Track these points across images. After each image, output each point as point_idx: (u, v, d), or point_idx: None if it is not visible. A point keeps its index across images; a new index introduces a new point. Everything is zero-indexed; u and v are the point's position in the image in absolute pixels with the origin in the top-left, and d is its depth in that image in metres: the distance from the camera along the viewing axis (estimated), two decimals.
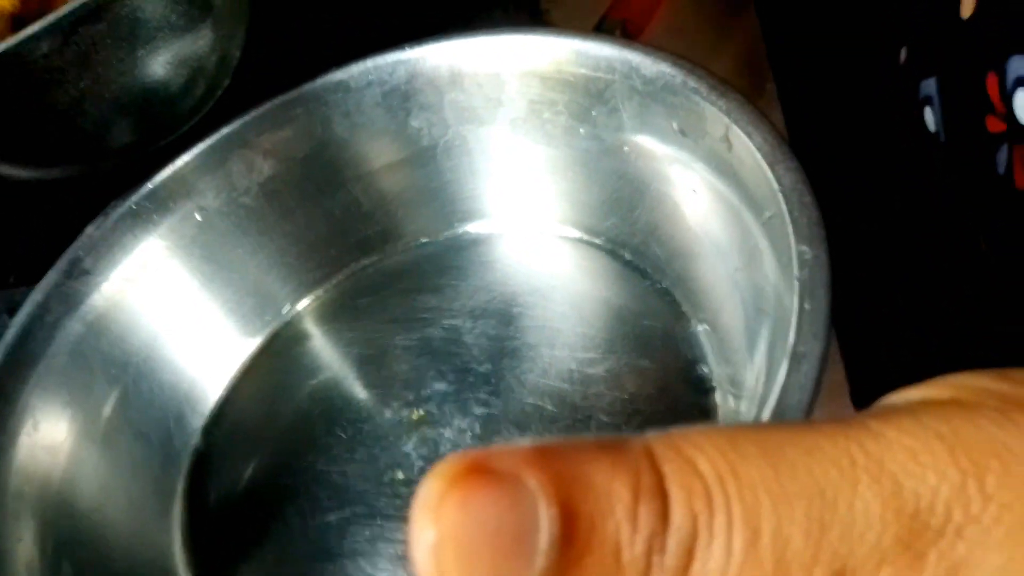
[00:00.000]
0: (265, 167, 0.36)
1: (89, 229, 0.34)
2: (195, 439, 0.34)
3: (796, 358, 0.21)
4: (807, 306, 0.22)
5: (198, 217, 0.35)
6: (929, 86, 0.37)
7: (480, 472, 0.13)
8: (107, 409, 0.32)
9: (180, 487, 0.33)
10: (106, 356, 0.32)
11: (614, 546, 0.14)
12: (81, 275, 0.33)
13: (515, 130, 0.36)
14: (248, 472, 0.33)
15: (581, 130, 0.34)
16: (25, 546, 0.27)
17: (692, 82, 0.29)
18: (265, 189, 0.36)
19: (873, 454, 0.14)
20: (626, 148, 0.33)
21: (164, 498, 0.32)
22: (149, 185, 0.34)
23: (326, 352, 0.36)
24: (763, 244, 0.28)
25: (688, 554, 0.14)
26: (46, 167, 0.35)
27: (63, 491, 0.29)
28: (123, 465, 0.31)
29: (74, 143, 0.34)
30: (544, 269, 0.37)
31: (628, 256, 0.35)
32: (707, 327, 0.32)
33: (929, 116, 0.37)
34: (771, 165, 0.26)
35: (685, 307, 0.32)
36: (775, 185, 0.25)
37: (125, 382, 0.33)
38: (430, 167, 0.37)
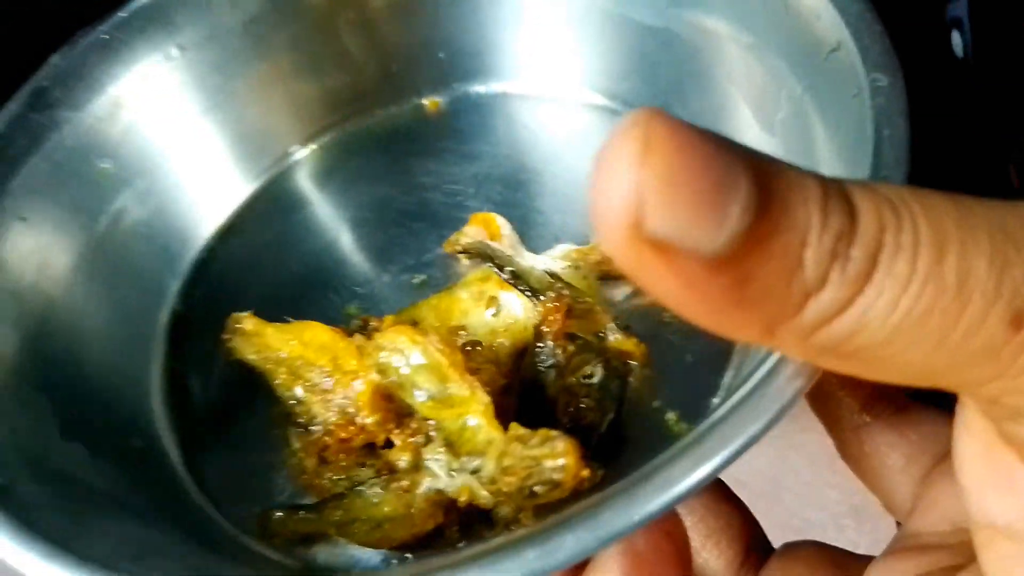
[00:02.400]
0: (250, 4, 0.32)
1: (54, 59, 0.30)
2: (181, 284, 0.31)
3: None
4: (886, 132, 0.20)
5: (176, 53, 0.32)
6: (958, 8, 0.35)
7: (687, 130, 0.13)
8: (94, 234, 0.29)
9: (163, 334, 0.30)
10: (87, 185, 0.29)
11: (802, 235, 0.13)
12: (46, 108, 0.29)
13: None
14: None
15: None
16: (1, 340, 0.24)
17: None
18: (250, 30, 0.33)
19: None
20: None
21: (146, 340, 0.29)
22: (122, 14, 0.31)
23: (320, 213, 0.33)
24: (807, 98, 0.26)
25: (872, 260, 0.13)
26: None
27: (43, 308, 0.26)
28: (106, 298, 0.28)
29: None
30: (554, 133, 0.34)
31: None
32: None
33: (957, 40, 0.35)
34: None
35: None
36: (839, 16, 0.23)
37: (110, 214, 0.29)
38: (431, 16, 0.34)
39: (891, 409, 0.22)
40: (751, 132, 0.29)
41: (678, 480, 0.16)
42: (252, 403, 0.28)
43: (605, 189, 0.13)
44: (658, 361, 0.27)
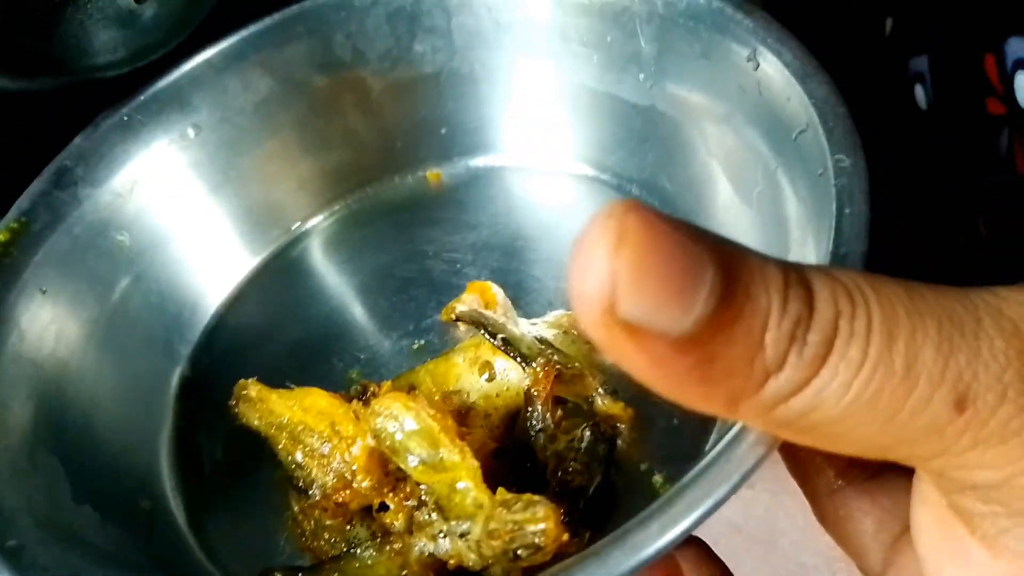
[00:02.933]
0: (262, 86, 0.35)
1: (78, 140, 0.32)
2: (191, 350, 0.32)
3: (838, 259, 0.21)
4: (847, 210, 0.22)
5: (191, 133, 0.34)
6: (920, 63, 0.37)
7: (660, 222, 0.14)
8: (108, 304, 0.31)
9: (172, 398, 0.31)
10: (103, 257, 0.31)
11: (763, 320, 0.14)
12: (69, 185, 0.31)
13: (525, 57, 0.35)
14: None
15: (594, 58, 0.33)
16: (14, 414, 0.26)
17: (717, 2, 0.29)
18: (260, 110, 0.35)
19: (991, 303, 0.15)
20: (641, 76, 0.32)
21: (156, 405, 0.31)
22: (141, 97, 0.33)
23: (325, 280, 0.35)
24: (781, 173, 0.27)
25: (827, 345, 0.14)
26: (29, 76, 0.33)
27: (59, 374, 0.28)
28: (119, 364, 0.30)
29: (58, 52, 0.32)
30: (548, 203, 0.36)
31: (636, 191, 0.34)
32: None
33: (920, 94, 0.37)
34: (802, 79, 0.25)
35: None
36: (807, 99, 0.25)
37: (124, 285, 0.31)
38: (433, 95, 0.36)
39: (865, 475, 0.23)
40: (731, 203, 0.30)
41: (647, 544, 0.17)
42: (256, 467, 0.29)
43: (582, 275, 0.14)
44: (645, 424, 0.28)
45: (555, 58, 0.34)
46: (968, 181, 0.36)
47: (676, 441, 0.28)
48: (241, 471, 0.29)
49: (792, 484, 0.23)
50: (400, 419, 0.25)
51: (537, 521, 0.21)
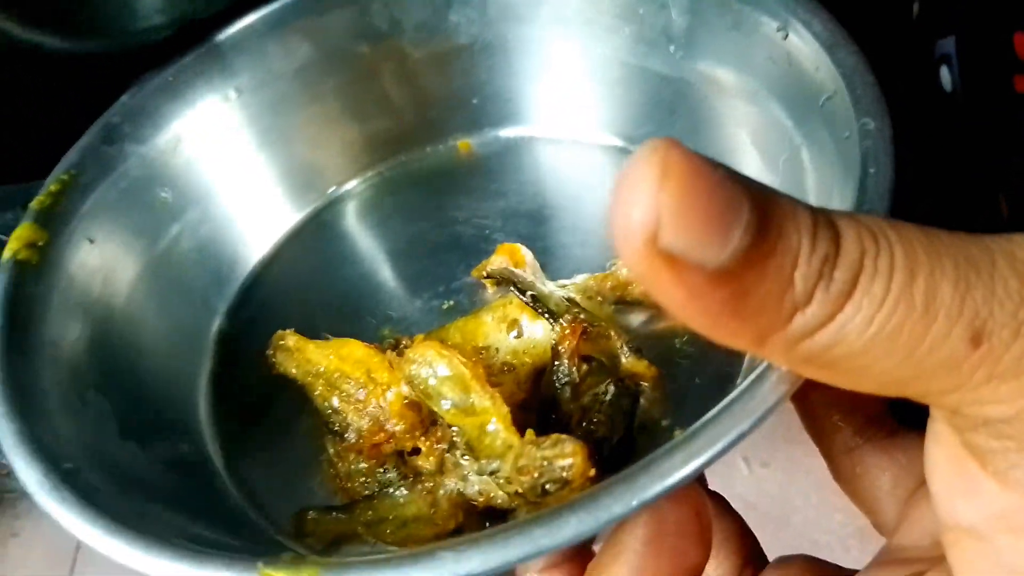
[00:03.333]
0: (301, 53, 0.36)
1: (124, 98, 0.33)
2: (229, 304, 0.34)
3: None
4: (871, 170, 0.22)
5: (233, 96, 0.35)
6: (947, 45, 0.37)
7: (700, 160, 0.15)
8: (152, 255, 0.32)
9: (211, 349, 0.32)
10: (147, 211, 0.32)
11: (793, 257, 0.15)
12: (116, 141, 0.32)
13: (557, 29, 0.36)
14: None
15: (625, 30, 0.34)
16: (64, 353, 0.27)
17: None
18: (300, 76, 0.36)
19: (1005, 246, 0.16)
20: (672, 47, 0.33)
21: (195, 354, 0.32)
22: (185, 59, 0.34)
23: (359, 242, 0.36)
24: (805, 140, 0.28)
25: (852, 282, 0.15)
26: (79, 37, 0.34)
27: (105, 319, 0.29)
28: (162, 313, 0.31)
29: (107, 13, 0.33)
30: (576, 174, 0.37)
31: None
32: None
33: (946, 76, 0.37)
34: (830, 49, 0.26)
35: None
36: (835, 68, 0.26)
37: (167, 238, 0.32)
38: (466, 66, 0.37)
39: (882, 433, 0.24)
40: (760, 174, 0.31)
41: (672, 472, 0.18)
42: (290, 414, 0.30)
43: (626, 207, 0.15)
44: (668, 384, 0.29)
45: (587, 30, 0.35)
46: (992, 162, 0.37)
47: (698, 400, 0.29)
48: (276, 418, 0.31)
49: (805, 463, 0.24)
50: (434, 365, 0.26)
51: (565, 456, 0.22)
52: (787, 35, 0.28)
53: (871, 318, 0.15)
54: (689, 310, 0.16)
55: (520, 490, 0.23)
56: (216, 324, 0.33)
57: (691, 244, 0.15)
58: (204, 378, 0.32)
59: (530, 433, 0.24)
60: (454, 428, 0.25)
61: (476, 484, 0.24)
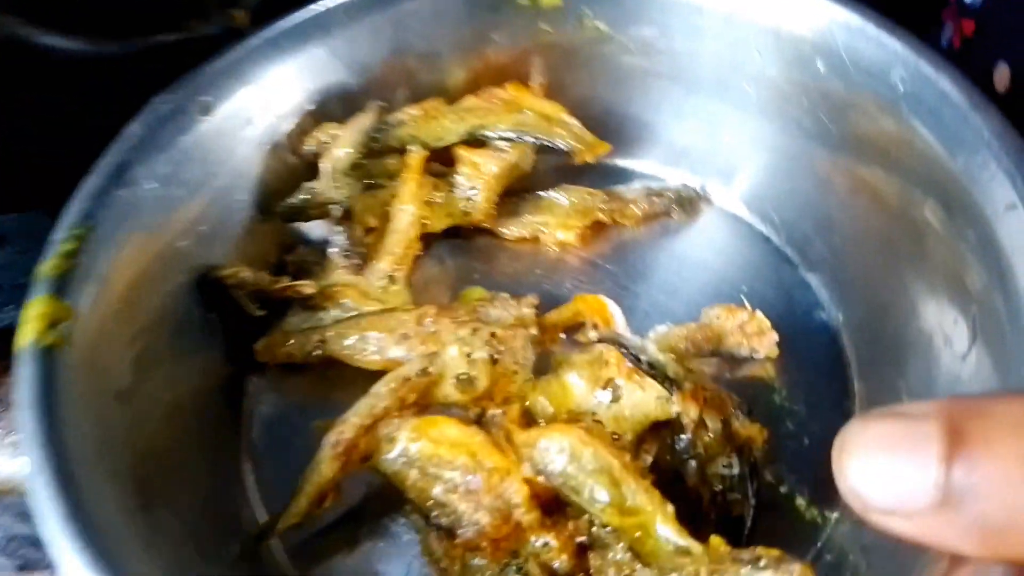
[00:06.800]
0: None
1: (133, 128, 0.27)
2: None
3: None
4: None
5: None
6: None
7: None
8: None
9: None
10: None
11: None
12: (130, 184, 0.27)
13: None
14: None
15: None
16: None
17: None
18: None
19: None
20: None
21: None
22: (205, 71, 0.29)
23: None
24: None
25: None
26: (96, 38, 0.29)
27: None
28: None
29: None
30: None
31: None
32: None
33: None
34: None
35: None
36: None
37: None
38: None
39: None
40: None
41: None
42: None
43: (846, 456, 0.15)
44: (776, 444, 0.28)
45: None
46: None
47: (810, 462, 0.27)
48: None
49: None
50: (578, 456, 0.23)
51: None
52: None
53: None
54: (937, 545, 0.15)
55: None
56: None
57: (897, 501, 0.14)
58: None
59: (717, 541, 0.21)
60: (607, 528, 0.23)
61: None
